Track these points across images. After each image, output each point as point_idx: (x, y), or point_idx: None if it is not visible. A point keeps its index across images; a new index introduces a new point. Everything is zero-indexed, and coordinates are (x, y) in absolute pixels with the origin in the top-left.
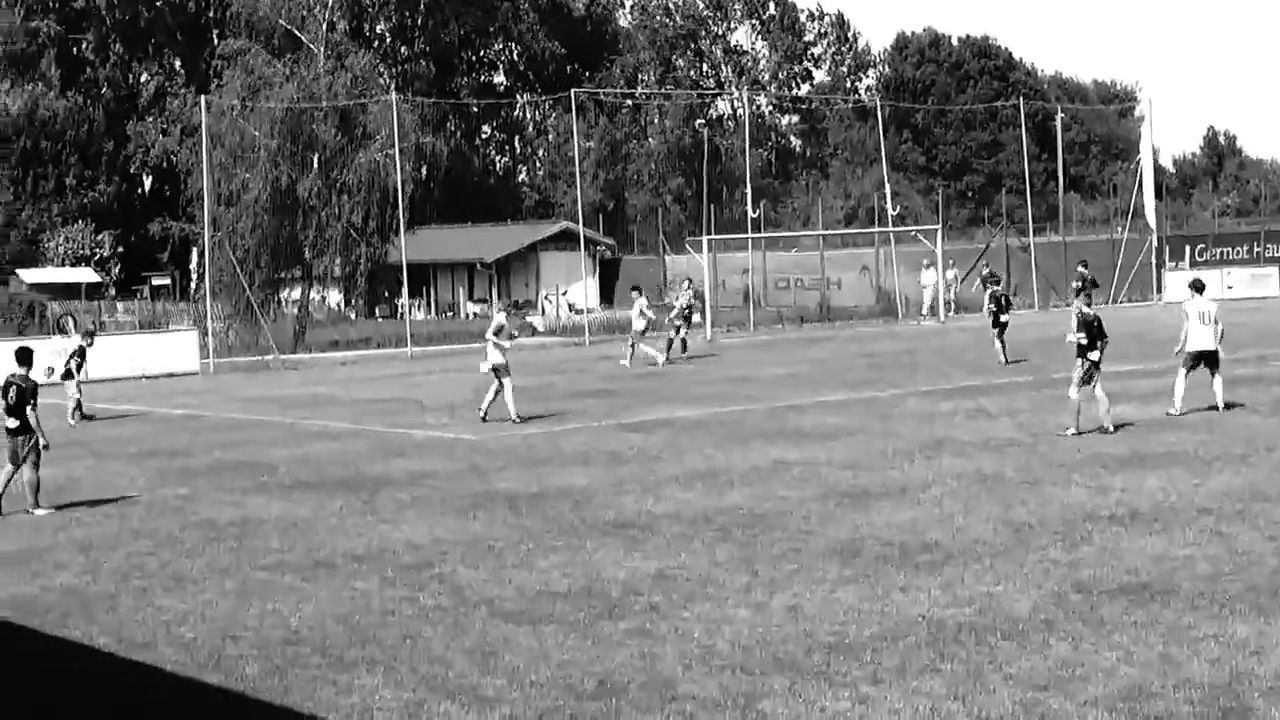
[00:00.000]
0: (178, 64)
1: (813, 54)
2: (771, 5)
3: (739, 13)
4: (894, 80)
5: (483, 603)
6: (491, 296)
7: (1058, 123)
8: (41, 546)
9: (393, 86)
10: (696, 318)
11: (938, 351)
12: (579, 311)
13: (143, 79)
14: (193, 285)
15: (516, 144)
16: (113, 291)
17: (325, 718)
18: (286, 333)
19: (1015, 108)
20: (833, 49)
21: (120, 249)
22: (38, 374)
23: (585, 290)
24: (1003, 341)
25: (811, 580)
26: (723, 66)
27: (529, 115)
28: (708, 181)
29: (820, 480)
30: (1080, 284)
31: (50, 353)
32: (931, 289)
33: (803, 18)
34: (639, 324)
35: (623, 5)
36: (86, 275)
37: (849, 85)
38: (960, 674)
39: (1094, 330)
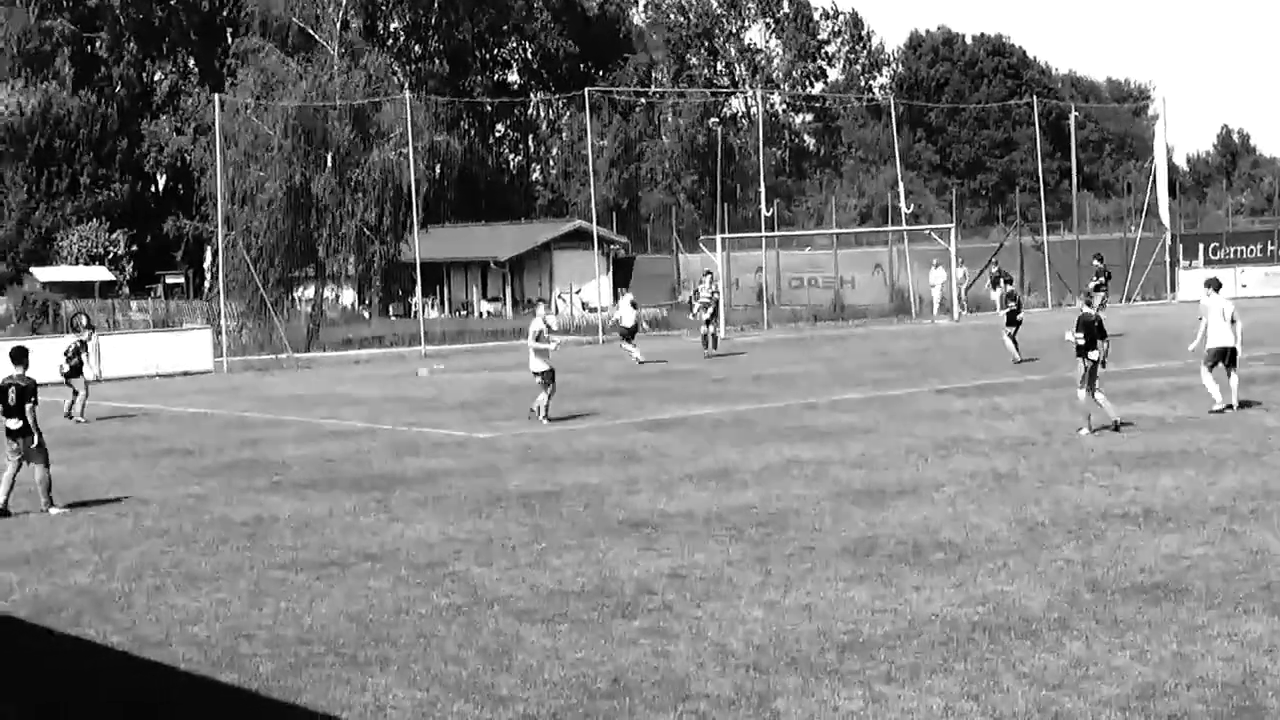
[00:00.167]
0: (192, 62)
1: (827, 52)
2: (785, 4)
3: (753, 11)
4: (908, 79)
5: (496, 601)
6: (506, 295)
7: (1071, 121)
8: (55, 545)
9: (406, 85)
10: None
11: (951, 350)
12: (593, 310)
13: (156, 77)
14: (206, 284)
15: (530, 142)
16: (126, 290)
17: (339, 716)
18: (300, 331)
19: (1029, 106)
20: (847, 47)
21: (134, 247)
22: (53, 373)
23: (599, 289)
24: (1015, 340)
25: (825, 579)
26: (737, 65)
27: (543, 114)
28: (721, 180)
29: (834, 479)
30: (1098, 279)
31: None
32: (940, 288)
33: (817, 16)
34: (628, 321)
35: (636, 3)
36: (100, 274)
37: (863, 84)
38: (974, 673)
39: (1094, 330)
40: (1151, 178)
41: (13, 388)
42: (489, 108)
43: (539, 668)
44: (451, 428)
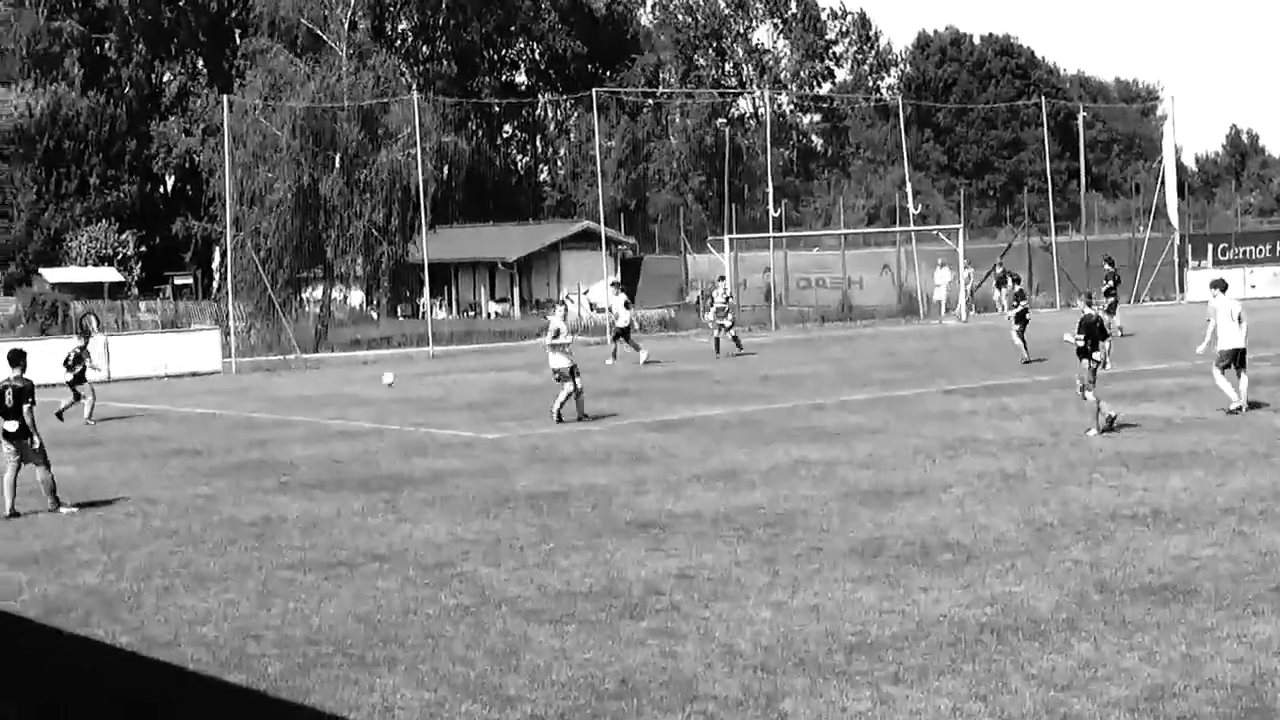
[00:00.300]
0: (200, 63)
1: (834, 53)
2: (793, 4)
3: (760, 11)
4: (916, 79)
5: (504, 602)
6: (513, 295)
7: (1079, 121)
8: (64, 545)
9: (414, 86)
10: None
11: (959, 351)
12: (600, 311)
13: (165, 78)
14: (215, 284)
15: (538, 143)
16: (135, 291)
17: (347, 717)
18: (308, 332)
19: (1037, 106)
20: (854, 48)
21: (143, 248)
22: (57, 374)
23: (606, 289)
24: (1024, 339)
25: (833, 580)
26: (744, 65)
27: (550, 114)
28: (729, 181)
29: (841, 479)
30: (1108, 282)
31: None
32: (945, 288)
33: (824, 16)
34: (623, 321)
35: (644, 4)
36: (109, 275)
37: (870, 84)
38: (982, 674)
39: (1095, 331)
40: (1160, 178)
41: (9, 389)
42: (497, 108)
43: (547, 668)
44: (459, 428)
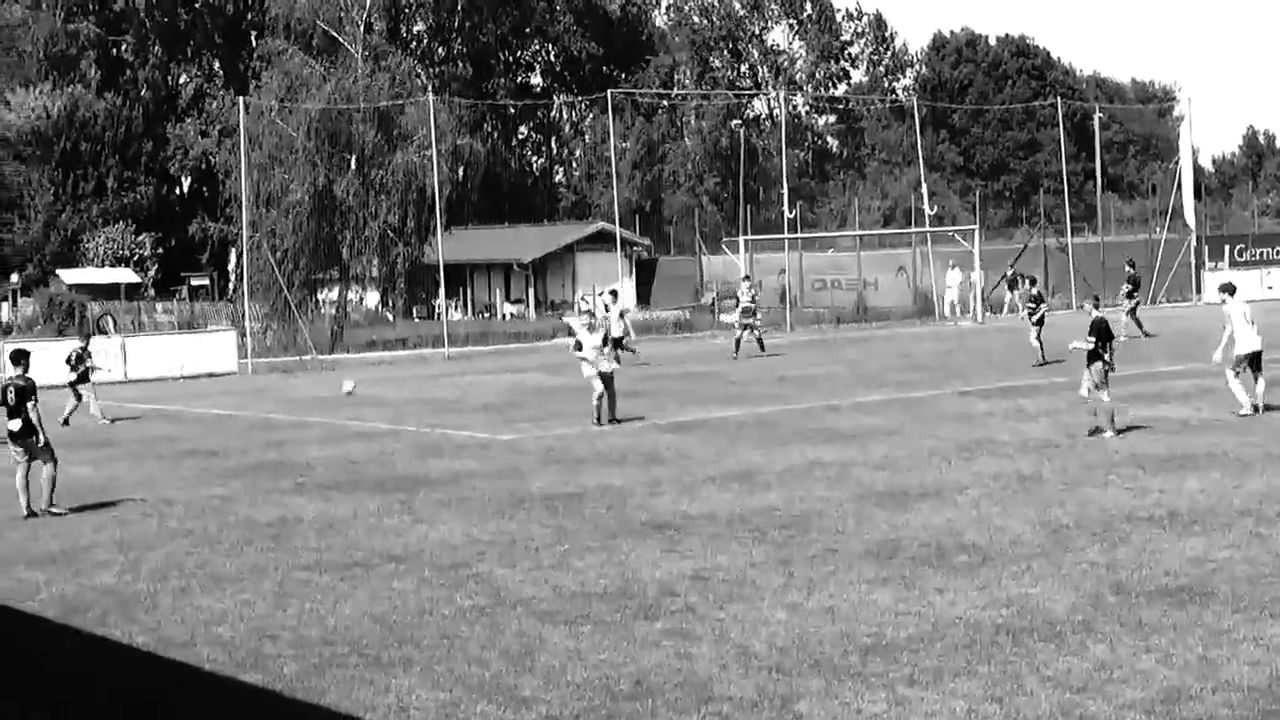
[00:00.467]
0: (216, 65)
1: (850, 54)
2: (808, 5)
3: (776, 12)
4: (931, 80)
5: (519, 603)
6: (528, 297)
7: (1096, 122)
8: (81, 546)
9: (430, 87)
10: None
11: (975, 352)
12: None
13: (181, 80)
14: (231, 286)
15: (553, 145)
16: (152, 292)
17: (362, 717)
18: (324, 333)
19: (1053, 107)
20: (870, 49)
21: (159, 250)
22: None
23: (621, 291)
24: (1041, 341)
25: (848, 581)
26: (759, 67)
27: (565, 116)
28: (744, 182)
29: (857, 481)
30: (1129, 285)
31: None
32: (956, 290)
33: (840, 17)
34: (616, 330)
35: (659, 5)
36: (126, 276)
37: (886, 85)
38: (997, 676)
39: (1106, 333)
40: (1176, 179)
41: (11, 388)
42: (512, 110)
43: (562, 669)
44: (474, 429)
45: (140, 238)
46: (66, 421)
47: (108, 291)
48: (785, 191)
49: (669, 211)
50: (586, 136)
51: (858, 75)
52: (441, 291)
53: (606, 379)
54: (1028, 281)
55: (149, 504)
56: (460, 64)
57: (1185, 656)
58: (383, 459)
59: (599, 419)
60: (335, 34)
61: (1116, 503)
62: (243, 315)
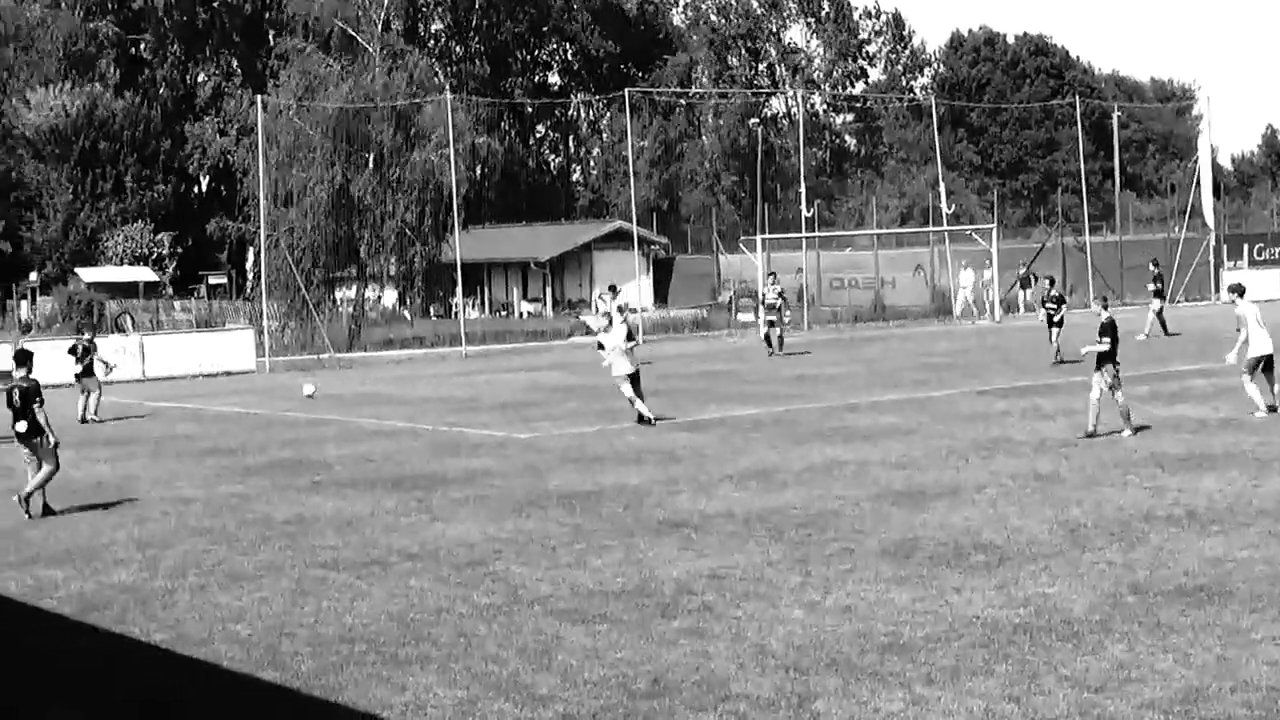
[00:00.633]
0: (235, 64)
1: (868, 52)
2: (826, 3)
3: (793, 11)
4: (949, 79)
5: (536, 601)
6: (546, 296)
7: (1114, 121)
8: (100, 543)
9: (447, 86)
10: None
11: (992, 351)
12: (633, 311)
13: (200, 79)
14: (249, 284)
15: (570, 143)
16: (170, 290)
17: (380, 715)
18: (341, 332)
19: (1071, 106)
20: (888, 47)
21: (178, 248)
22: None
23: (639, 290)
24: (1058, 341)
25: (865, 580)
26: (777, 65)
27: (583, 115)
28: (762, 180)
29: (874, 480)
30: (1155, 284)
31: (111, 350)
32: (971, 289)
33: (858, 16)
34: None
35: (676, 4)
36: (144, 274)
37: (904, 84)
38: (1015, 675)
39: (1116, 333)
40: (1195, 178)
41: (15, 389)
42: (530, 109)
43: (579, 667)
44: (492, 428)
45: (159, 236)
46: (84, 419)
47: (126, 290)
48: (803, 190)
49: (686, 210)
50: (604, 135)
51: (875, 74)
52: (459, 290)
53: (633, 378)
54: (1047, 281)
55: (167, 502)
56: (478, 63)
57: (1203, 656)
58: (400, 457)
59: (641, 417)
60: (353, 33)
61: (1134, 502)
62: (261, 314)
